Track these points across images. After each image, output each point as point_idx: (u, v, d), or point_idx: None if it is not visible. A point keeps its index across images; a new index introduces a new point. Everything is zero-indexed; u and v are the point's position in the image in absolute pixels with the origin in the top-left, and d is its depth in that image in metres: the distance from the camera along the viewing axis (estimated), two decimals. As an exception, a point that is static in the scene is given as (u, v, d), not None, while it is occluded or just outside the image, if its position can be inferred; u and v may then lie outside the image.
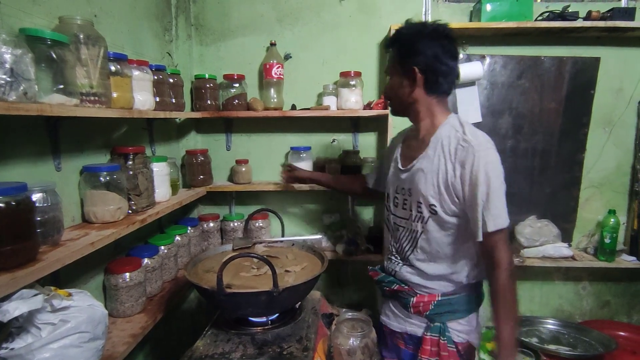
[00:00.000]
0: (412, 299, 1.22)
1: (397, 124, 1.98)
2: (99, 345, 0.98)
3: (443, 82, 1.14)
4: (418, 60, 1.12)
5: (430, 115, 1.18)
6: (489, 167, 1.03)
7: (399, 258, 1.27)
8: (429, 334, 1.18)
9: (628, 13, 1.76)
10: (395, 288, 1.26)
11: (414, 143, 1.24)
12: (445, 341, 1.16)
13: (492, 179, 1.03)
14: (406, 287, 1.24)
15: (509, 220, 1.06)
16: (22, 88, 0.84)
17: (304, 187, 1.97)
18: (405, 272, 1.24)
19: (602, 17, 1.78)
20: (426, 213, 1.15)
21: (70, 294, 0.96)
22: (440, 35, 1.13)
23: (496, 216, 1.03)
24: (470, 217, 1.08)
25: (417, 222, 1.18)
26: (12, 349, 0.84)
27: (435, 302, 1.19)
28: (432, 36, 1.12)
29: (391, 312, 1.31)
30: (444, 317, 1.19)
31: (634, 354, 1.89)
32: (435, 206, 1.12)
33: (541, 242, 1.95)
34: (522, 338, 1.89)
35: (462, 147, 1.06)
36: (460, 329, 1.19)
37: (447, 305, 1.19)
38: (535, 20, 1.85)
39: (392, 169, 1.31)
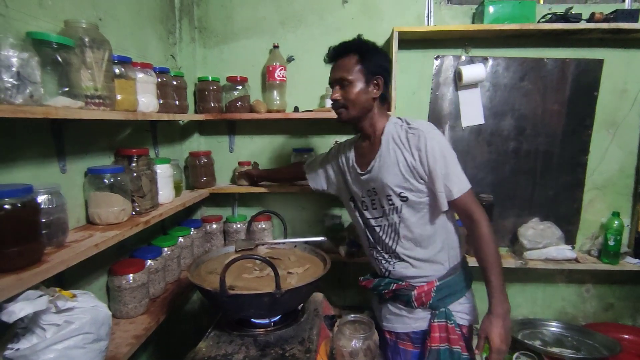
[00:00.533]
0: (412, 292, 1.26)
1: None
2: (103, 346, 0.99)
3: (389, 93, 1.32)
4: (381, 71, 1.24)
5: (378, 120, 1.29)
6: (440, 145, 1.17)
7: (388, 257, 1.31)
8: (435, 320, 1.22)
9: (631, 15, 1.76)
10: (393, 288, 1.29)
11: (365, 148, 1.34)
12: (453, 325, 1.21)
13: (445, 153, 1.17)
14: (403, 283, 1.28)
15: (469, 183, 1.20)
16: (28, 91, 0.85)
17: (307, 188, 1.97)
18: (400, 268, 1.28)
19: (606, 19, 1.78)
20: (398, 202, 1.24)
21: (74, 295, 0.97)
22: (386, 52, 1.31)
23: (458, 182, 1.17)
24: (434, 190, 1.19)
25: (393, 214, 1.26)
26: (17, 349, 0.84)
27: (435, 288, 1.24)
28: (384, 52, 1.29)
29: (392, 314, 1.33)
30: (447, 300, 1.24)
31: (638, 357, 1.87)
32: (404, 193, 1.22)
33: (544, 244, 1.94)
34: (525, 340, 1.89)
35: (413, 134, 1.20)
36: (461, 310, 1.26)
37: (446, 288, 1.24)
38: (538, 22, 1.85)
39: (349, 177, 1.38)
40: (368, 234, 1.35)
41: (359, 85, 1.23)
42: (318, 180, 1.59)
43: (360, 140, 1.37)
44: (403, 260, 1.28)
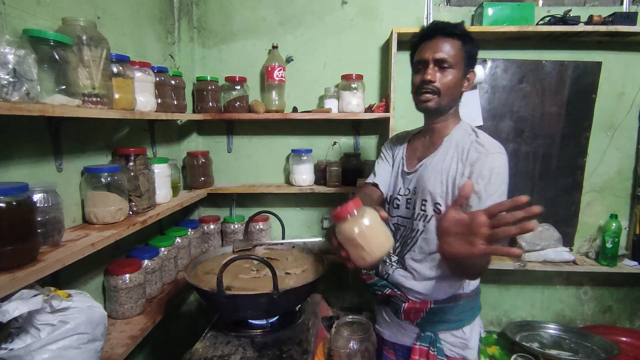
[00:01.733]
0: (403, 304, 1.18)
1: (399, 127, 1.99)
2: (98, 346, 0.98)
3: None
4: (474, 64, 1.14)
5: (450, 118, 1.17)
6: (495, 170, 1.03)
7: (395, 259, 1.24)
8: (418, 343, 1.15)
9: (629, 18, 1.77)
10: (387, 292, 1.22)
11: (421, 144, 1.22)
12: (435, 353, 1.11)
13: (499, 181, 1.02)
14: (398, 292, 1.21)
15: None
16: (24, 88, 0.85)
17: (305, 189, 1.97)
18: (398, 275, 1.20)
19: (604, 22, 1.79)
20: (430, 211, 1.12)
21: (69, 295, 0.96)
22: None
23: None
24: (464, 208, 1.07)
25: (419, 220, 1.15)
26: (11, 349, 0.83)
27: (427, 309, 1.15)
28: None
29: (383, 319, 1.29)
30: (436, 326, 1.15)
31: (636, 360, 1.87)
32: (440, 205, 1.10)
33: (542, 246, 1.94)
34: (523, 343, 1.88)
35: (476, 150, 1.07)
36: (453, 342, 1.15)
37: (439, 314, 1.14)
38: (537, 24, 1.86)
39: (393, 171, 1.28)
40: (390, 231, 1.23)
41: (458, 73, 1.09)
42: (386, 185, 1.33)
43: (419, 135, 1.25)
44: (406, 269, 1.19)
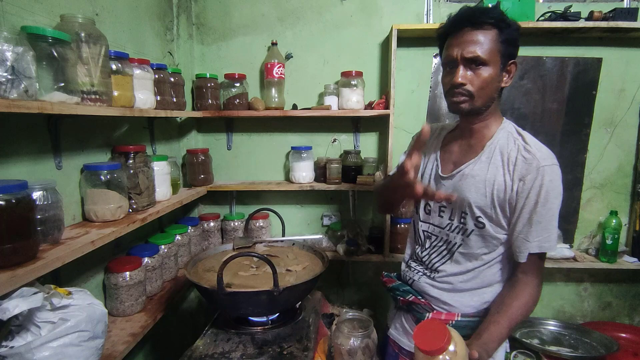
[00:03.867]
0: (427, 314, 1.09)
1: (399, 124, 1.99)
2: (99, 344, 0.98)
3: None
4: (516, 54, 0.98)
5: (490, 118, 1.03)
6: (551, 185, 0.93)
7: (421, 267, 1.15)
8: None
9: (630, 13, 1.76)
10: (410, 299, 1.13)
11: (457, 146, 1.09)
12: None
13: (552, 200, 0.94)
14: (422, 300, 1.12)
15: (556, 246, 0.98)
16: (23, 86, 0.84)
17: (305, 186, 1.97)
18: (424, 283, 1.11)
19: (605, 18, 1.78)
20: (470, 225, 1.02)
21: (70, 293, 0.96)
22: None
23: (544, 239, 0.95)
24: (515, 235, 0.97)
25: (457, 233, 1.05)
26: (11, 347, 0.84)
27: (453, 322, 1.05)
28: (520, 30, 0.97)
29: (402, 326, 1.20)
30: None
31: (635, 356, 1.87)
32: (482, 219, 1.00)
33: (542, 243, 1.94)
34: (523, 339, 1.89)
35: (524, 159, 0.95)
36: None
37: (465, 329, 1.02)
38: (537, 20, 1.85)
39: (426, 172, 1.15)
40: (419, 237, 1.17)
41: (494, 70, 0.95)
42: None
43: (455, 134, 1.11)
44: (434, 279, 1.10)
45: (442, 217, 1.09)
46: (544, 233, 0.95)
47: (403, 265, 1.24)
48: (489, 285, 1.06)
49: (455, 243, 1.07)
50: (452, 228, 1.07)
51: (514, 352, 1.86)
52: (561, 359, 1.75)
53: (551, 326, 2.07)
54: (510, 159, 0.97)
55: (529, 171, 0.94)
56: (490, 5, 1.01)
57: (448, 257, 1.09)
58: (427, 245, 1.14)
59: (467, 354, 0.83)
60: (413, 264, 1.19)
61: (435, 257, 1.12)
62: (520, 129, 1.03)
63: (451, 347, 0.81)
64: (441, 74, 1.06)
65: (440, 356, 0.80)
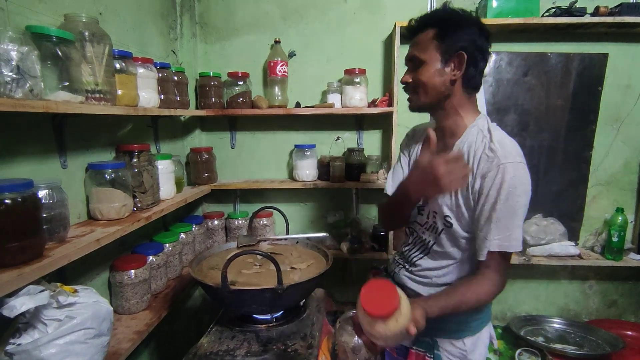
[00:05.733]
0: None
1: (403, 122, 1.98)
2: (104, 341, 0.99)
3: (477, 76, 1.01)
4: (465, 46, 0.97)
5: (458, 114, 1.03)
6: (512, 183, 0.91)
7: (402, 261, 1.20)
8: (415, 348, 1.11)
9: (637, 8, 1.73)
10: None
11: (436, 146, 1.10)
12: (432, 359, 1.08)
13: (512, 197, 0.91)
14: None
15: (520, 246, 0.95)
16: (28, 85, 0.85)
17: (309, 184, 1.97)
18: (403, 276, 1.17)
19: (610, 13, 1.76)
20: (440, 225, 1.05)
21: (76, 291, 0.96)
22: (479, 22, 1.00)
23: (505, 237, 0.93)
24: (477, 233, 0.97)
25: (431, 232, 1.09)
26: (19, 344, 0.84)
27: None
28: (474, 22, 0.99)
29: None
30: (434, 332, 1.07)
31: (641, 354, 1.87)
32: (450, 218, 1.02)
33: (547, 240, 1.94)
34: (528, 337, 1.88)
35: (487, 157, 0.94)
36: (451, 351, 1.09)
37: (438, 321, 0.97)
38: (542, 16, 1.83)
39: (406, 172, 1.20)
40: (407, 232, 1.20)
41: (434, 66, 0.98)
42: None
43: (438, 133, 1.11)
44: (412, 272, 1.14)
45: (422, 215, 1.13)
46: (505, 232, 0.93)
47: (390, 258, 1.29)
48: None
49: (430, 241, 1.11)
50: (428, 227, 1.11)
51: (518, 350, 1.86)
52: (566, 357, 1.74)
53: (556, 324, 2.06)
54: (476, 156, 0.97)
55: (490, 168, 0.93)
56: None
57: (425, 253, 1.13)
58: (409, 241, 1.19)
59: (410, 311, 0.84)
60: (397, 258, 1.24)
61: (414, 252, 1.16)
62: (492, 125, 1.01)
63: (404, 316, 0.81)
64: None
65: (395, 324, 0.80)
